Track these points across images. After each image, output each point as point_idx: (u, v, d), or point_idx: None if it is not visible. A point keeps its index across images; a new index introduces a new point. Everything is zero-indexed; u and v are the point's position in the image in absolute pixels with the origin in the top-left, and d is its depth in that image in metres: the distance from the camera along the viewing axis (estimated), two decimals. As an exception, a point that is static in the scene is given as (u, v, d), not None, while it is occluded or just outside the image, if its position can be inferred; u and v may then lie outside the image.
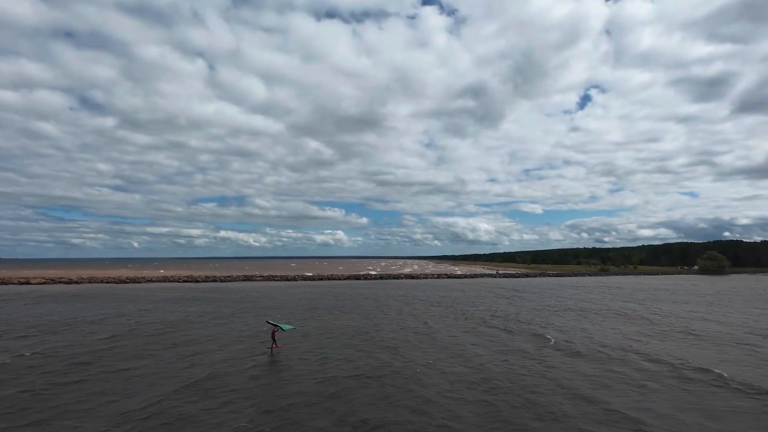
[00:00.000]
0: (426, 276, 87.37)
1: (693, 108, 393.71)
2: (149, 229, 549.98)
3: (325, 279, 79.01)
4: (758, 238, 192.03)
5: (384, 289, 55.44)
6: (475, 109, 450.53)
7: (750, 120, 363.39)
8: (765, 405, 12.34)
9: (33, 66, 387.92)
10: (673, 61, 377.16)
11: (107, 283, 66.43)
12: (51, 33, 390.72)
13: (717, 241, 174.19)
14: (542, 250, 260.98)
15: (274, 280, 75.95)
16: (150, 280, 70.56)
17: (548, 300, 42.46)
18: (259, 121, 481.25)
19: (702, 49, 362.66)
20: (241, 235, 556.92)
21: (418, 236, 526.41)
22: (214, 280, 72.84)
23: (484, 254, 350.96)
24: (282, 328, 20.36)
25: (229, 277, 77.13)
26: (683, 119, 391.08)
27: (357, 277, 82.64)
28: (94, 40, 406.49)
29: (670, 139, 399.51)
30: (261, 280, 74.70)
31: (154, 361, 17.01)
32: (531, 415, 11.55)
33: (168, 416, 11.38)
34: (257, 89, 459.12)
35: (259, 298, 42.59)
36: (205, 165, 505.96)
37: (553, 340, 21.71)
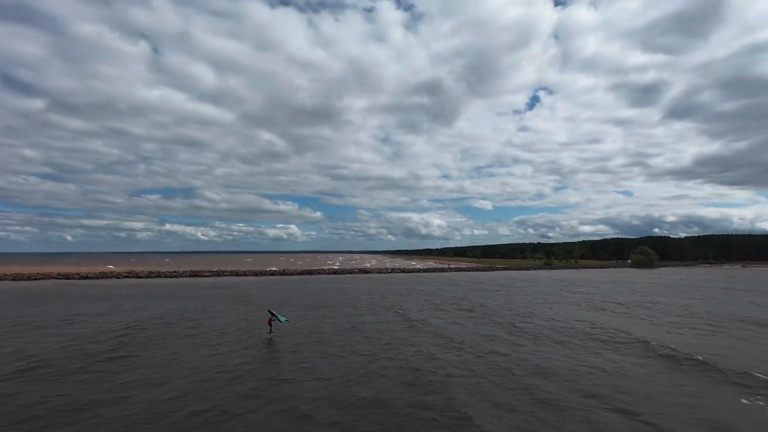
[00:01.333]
0: (383, 270, 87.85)
1: (630, 112, 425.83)
2: (85, 222, 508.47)
3: (287, 274, 77.07)
4: (682, 234, 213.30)
5: (347, 284, 55.00)
6: (430, 106, 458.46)
7: (678, 126, 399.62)
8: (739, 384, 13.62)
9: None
10: (614, 68, 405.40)
11: (37, 280, 60.44)
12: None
13: (648, 236, 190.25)
14: (491, 245, 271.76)
15: (224, 275, 72.97)
16: (86, 277, 65.09)
17: (506, 291, 44.17)
18: (208, 110, 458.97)
19: (638, 57, 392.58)
20: (189, 229, 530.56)
21: (373, 231, 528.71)
22: (159, 276, 68.67)
23: (437, 249, 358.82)
24: (279, 319, 21.65)
25: (174, 272, 73.00)
26: (621, 122, 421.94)
27: (318, 272, 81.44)
28: (19, 14, 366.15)
29: (610, 141, 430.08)
30: (209, 276, 71.43)
31: (129, 368, 15.63)
32: (520, 397, 11.94)
33: (169, 420, 10.51)
34: (207, 76, 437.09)
35: (220, 297, 40.62)
36: (148, 154, 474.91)
37: (521, 325, 22.89)
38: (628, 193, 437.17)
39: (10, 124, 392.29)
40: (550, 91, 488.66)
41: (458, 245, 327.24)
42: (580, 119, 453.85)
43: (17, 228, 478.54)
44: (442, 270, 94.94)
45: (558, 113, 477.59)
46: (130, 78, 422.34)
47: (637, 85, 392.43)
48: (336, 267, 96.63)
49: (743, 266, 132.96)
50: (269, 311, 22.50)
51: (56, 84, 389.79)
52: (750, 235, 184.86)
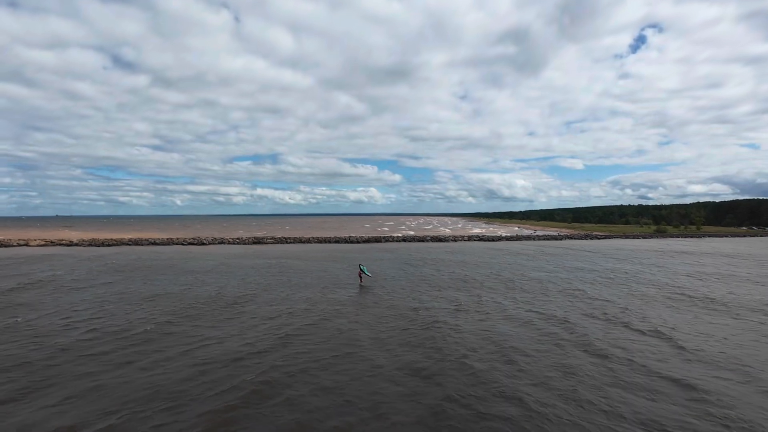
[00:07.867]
0: (464, 238, 77.48)
1: (766, 47, 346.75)
2: (190, 188, 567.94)
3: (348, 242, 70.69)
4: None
5: (436, 253, 46.09)
6: (515, 56, 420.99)
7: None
8: None
9: (63, 23, 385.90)
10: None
11: (108, 246, 60.89)
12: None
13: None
14: (582, 207, 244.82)
15: (287, 242, 68.48)
16: (155, 243, 64.76)
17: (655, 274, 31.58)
18: (288, 76, 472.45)
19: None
20: (278, 193, 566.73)
21: (452, 193, 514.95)
22: (222, 242, 66.21)
23: (520, 211, 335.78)
24: (365, 272, 26.93)
25: (237, 239, 70.30)
26: (752, 60, 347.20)
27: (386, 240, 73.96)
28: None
29: (734, 85, 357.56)
30: (271, 242, 67.40)
31: None
32: None
33: None
34: (284, 41, 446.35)
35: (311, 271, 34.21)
36: (237, 123, 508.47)
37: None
38: (754, 146, 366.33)
39: (122, 101, 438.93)
40: (659, 29, 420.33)
41: (543, 207, 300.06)
42: (696, 60, 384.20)
43: (138, 194, 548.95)
44: (528, 238, 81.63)
45: (668, 55, 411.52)
46: (216, 49, 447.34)
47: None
48: (447, 233, 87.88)
49: None
50: (359, 266, 27.99)
51: (154, 60, 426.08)
52: None
